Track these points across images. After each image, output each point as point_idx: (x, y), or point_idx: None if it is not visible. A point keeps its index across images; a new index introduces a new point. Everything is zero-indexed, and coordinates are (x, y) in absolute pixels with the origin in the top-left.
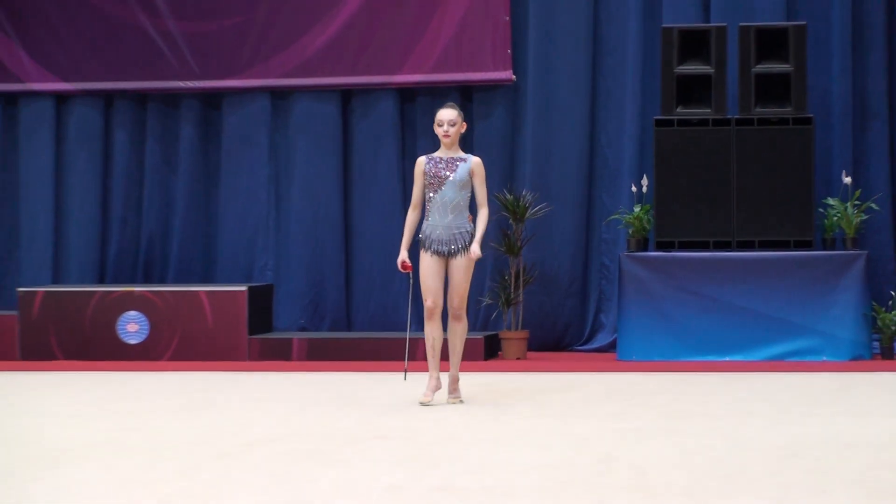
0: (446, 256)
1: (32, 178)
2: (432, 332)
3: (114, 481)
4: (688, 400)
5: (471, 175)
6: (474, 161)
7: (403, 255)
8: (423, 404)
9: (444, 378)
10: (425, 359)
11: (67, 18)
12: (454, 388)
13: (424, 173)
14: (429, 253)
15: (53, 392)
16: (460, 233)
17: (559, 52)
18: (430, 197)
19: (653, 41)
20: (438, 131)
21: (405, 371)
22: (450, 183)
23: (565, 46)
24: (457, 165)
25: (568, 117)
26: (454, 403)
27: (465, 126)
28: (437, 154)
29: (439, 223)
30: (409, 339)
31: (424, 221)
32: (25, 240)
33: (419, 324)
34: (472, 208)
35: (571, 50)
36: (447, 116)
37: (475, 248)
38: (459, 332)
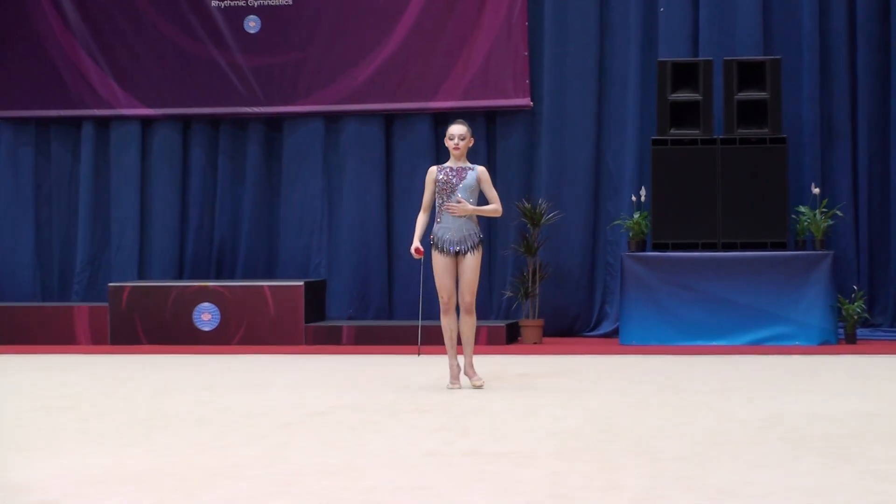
0: (456, 255)
1: (121, 190)
2: (449, 325)
3: (193, 446)
4: (680, 378)
5: (478, 181)
6: (480, 169)
7: (416, 243)
8: (451, 388)
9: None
10: (442, 344)
11: (152, 53)
12: (473, 373)
13: (436, 181)
14: (441, 253)
15: (139, 372)
16: (469, 234)
17: (570, 81)
18: (441, 202)
19: (650, 72)
20: (449, 144)
21: (419, 348)
22: (460, 189)
23: (576, 76)
24: (465, 174)
25: (578, 137)
26: (479, 387)
27: (472, 140)
28: (447, 164)
29: (451, 225)
30: (421, 319)
31: (436, 224)
32: (115, 242)
33: (428, 306)
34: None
35: (581, 79)
36: (458, 131)
37: (466, 204)
38: (472, 324)
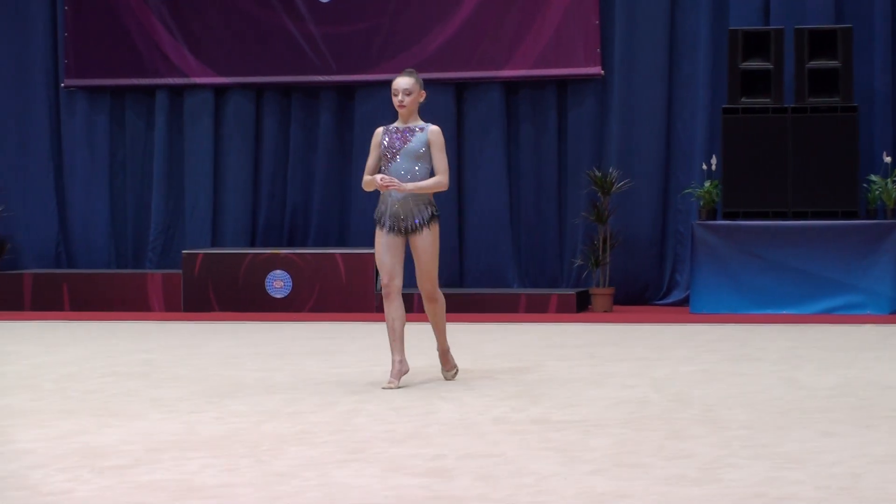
0: (405, 234)
1: (195, 159)
2: (391, 313)
3: (263, 413)
4: (749, 347)
5: (428, 145)
6: (431, 130)
7: (374, 176)
8: (386, 388)
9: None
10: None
11: (225, 22)
12: (446, 361)
13: (380, 144)
14: (384, 230)
15: (212, 338)
16: (419, 209)
17: (641, 50)
18: (383, 169)
19: (721, 41)
20: (394, 101)
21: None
22: (403, 154)
23: (646, 45)
24: (412, 136)
25: (648, 106)
26: (451, 379)
27: (423, 95)
28: (394, 125)
29: (397, 197)
30: None
31: (379, 197)
32: (189, 210)
33: None
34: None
35: (651, 48)
36: (402, 85)
37: (404, 184)
38: (437, 311)
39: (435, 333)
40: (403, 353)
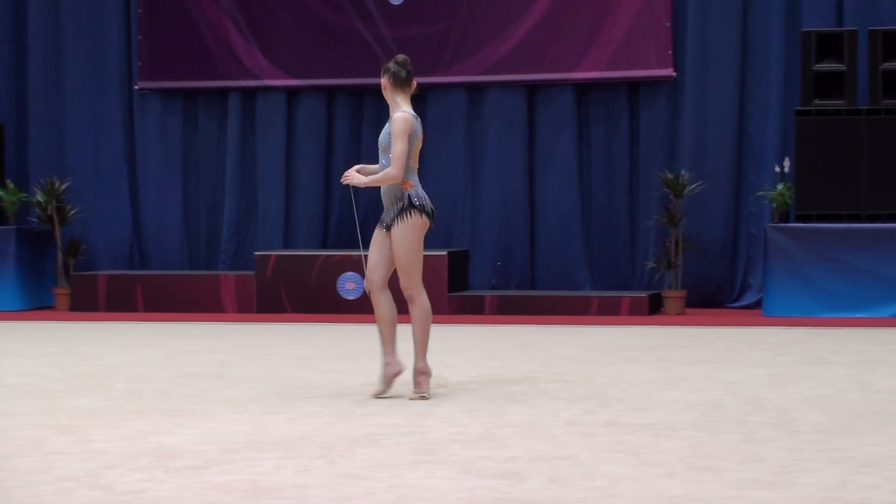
0: (387, 229)
1: (267, 161)
2: (376, 311)
3: (335, 414)
4: (823, 350)
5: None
6: (392, 118)
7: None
8: (375, 396)
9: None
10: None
11: (296, 24)
12: (418, 382)
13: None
14: (378, 226)
15: (284, 340)
16: (392, 201)
17: (713, 52)
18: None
19: (793, 42)
20: None
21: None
22: (380, 148)
23: (718, 47)
24: (386, 127)
25: (720, 108)
26: (415, 399)
27: (386, 84)
28: None
29: (382, 192)
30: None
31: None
32: (261, 212)
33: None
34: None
35: (723, 50)
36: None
37: (357, 176)
38: (416, 316)
39: (413, 347)
40: (393, 355)
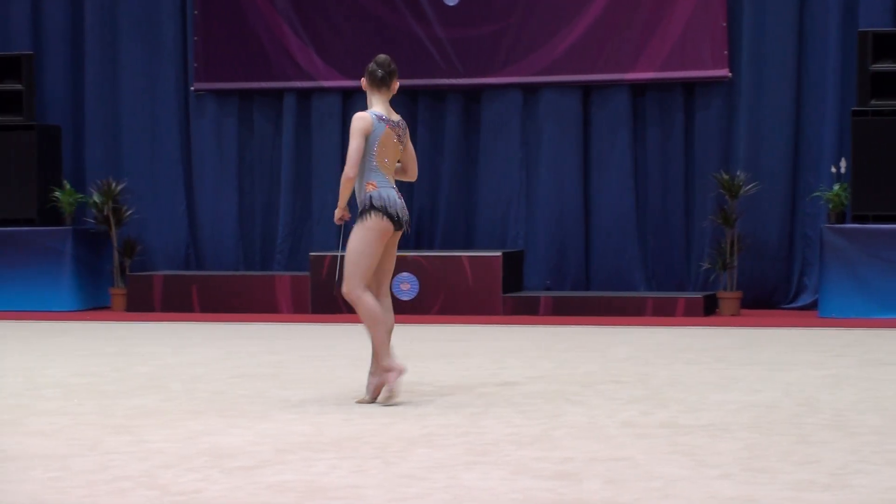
0: None
1: (323, 162)
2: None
3: (390, 415)
4: (879, 351)
5: None
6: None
7: None
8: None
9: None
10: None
11: (351, 25)
12: (370, 383)
13: None
14: None
15: (339, 340)
16: (360, 203)
17: (769, 52)
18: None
19: (850, 42)
20: None
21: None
22: None
23: (774, 47)
24: None
25: (776, 108)
26: (362, 403)
27: (364, 84)
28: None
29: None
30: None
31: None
32: (316, 212)
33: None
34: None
35: (779, 50)
36: None
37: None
38: (359, 314)
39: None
40: (387, 358)
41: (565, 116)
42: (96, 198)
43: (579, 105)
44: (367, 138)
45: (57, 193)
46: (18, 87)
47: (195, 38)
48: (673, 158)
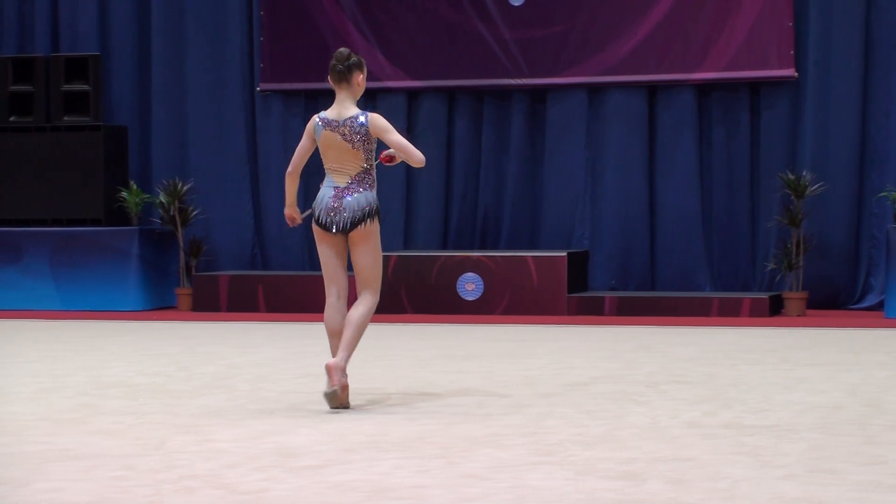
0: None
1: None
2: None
3: (455, 415)
4: None
5: None
6: None
7: None
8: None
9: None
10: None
11: (417, 26)
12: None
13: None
14: None
15: (404, 340)
16: None
17: (835, 51)
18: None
19: None
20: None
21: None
22: None
23: (840, 47)
24: None
25: (842, 108)
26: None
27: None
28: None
29: None
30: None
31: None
32: (382, 212)
33: None
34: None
35: (846, 50)
36: None
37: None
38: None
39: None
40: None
41: (630, 117)
42: (163, 198)
43: (645, 105)
44: (317, 141)
45: (124, 194)
46: (86, 87)
47: (261, 39)
48: (738, 159)
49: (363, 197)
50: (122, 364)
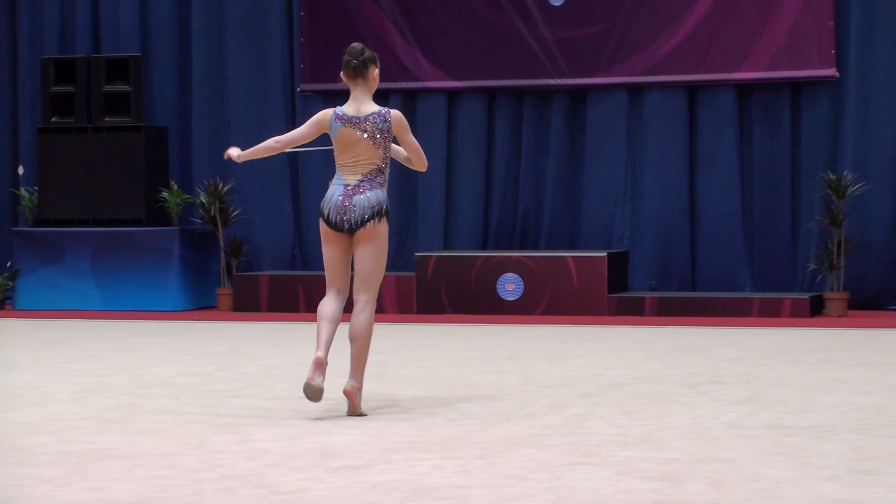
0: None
1: (428, 162)
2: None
3: (495, 415)
4: None
5: None
6: None
7: None
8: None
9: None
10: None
11: (457, 26)
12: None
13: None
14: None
15: (444, 340)
16: None
17: (877, 51)
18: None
19: None
20: None
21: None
22: None
23: (882, 46)
24: None
25: (884, 108)
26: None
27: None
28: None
29: None
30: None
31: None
32: (422, 212)
33: None
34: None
35: (887, 49)
36: None
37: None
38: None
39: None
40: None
41: (671, 117)
42: (203, 198)
43: (685, 105)
44: (330, 134)
45: (164, 194)
46: (127, 88)
47: (301, 40)
48: (779, 158)
49: (374, 195)
50: (164, 364)
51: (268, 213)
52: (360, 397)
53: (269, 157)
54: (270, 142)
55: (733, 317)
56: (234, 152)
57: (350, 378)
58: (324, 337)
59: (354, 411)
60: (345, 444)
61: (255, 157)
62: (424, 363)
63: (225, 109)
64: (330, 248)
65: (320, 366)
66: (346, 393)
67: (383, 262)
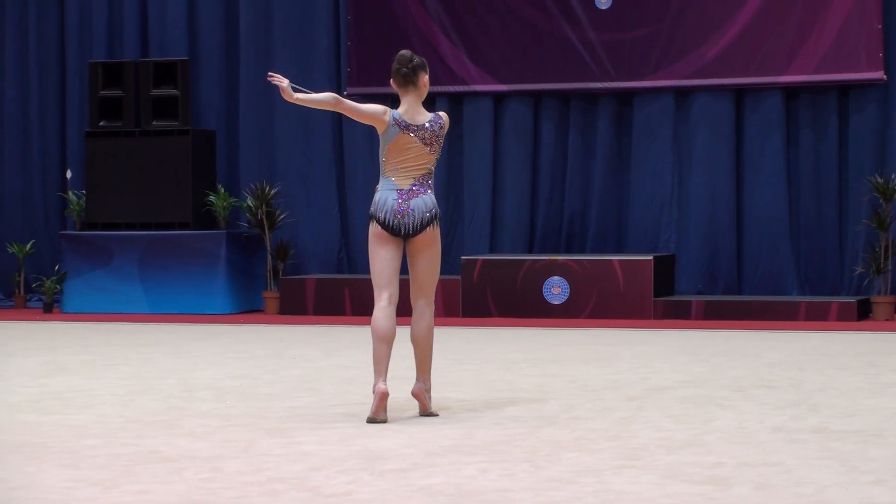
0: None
1: (474, 165)
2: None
3: (540, 419)
4: None
5: None
6: None
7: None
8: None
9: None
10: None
11: (504, 29)
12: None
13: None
14: None
15: (490, 344)
16: None
17: None
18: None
19: None
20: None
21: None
22: None
23: None
24: None
25: None
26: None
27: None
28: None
29: None
30: None
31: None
32: (468, 216)
33: None
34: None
35: None
36: None
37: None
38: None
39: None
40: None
41: (718, 120)
42: (250, 202)
43: (732, 108)
44: (382, 135)
45: (211, 197)
46: (174, 92)
47: (348, 43)
48: (826, 162)
49: (429, 199)
50: (210, 367)
51: (314, 217)
52: (430, 398)
53: (315, 160)
54: (330, 98)
55: (780, 320)
56: (284, 83)
57: (417, 380)
58: (385, 364)
59: (425, 411)
60: (390, 448)
61: (305, 105)
62: (470, 366)
63: (272, 113)
64: (383, 253)
65: (384, 399)
66: (414, 395)
67: (439, 266)
